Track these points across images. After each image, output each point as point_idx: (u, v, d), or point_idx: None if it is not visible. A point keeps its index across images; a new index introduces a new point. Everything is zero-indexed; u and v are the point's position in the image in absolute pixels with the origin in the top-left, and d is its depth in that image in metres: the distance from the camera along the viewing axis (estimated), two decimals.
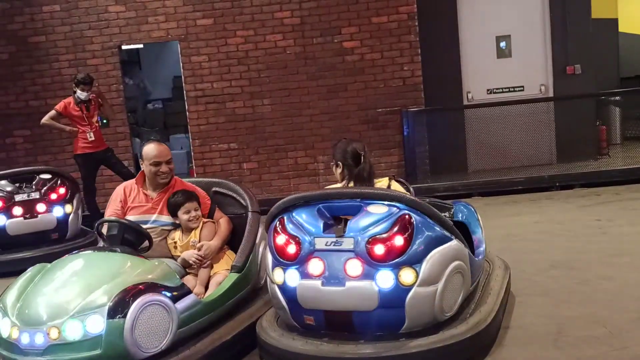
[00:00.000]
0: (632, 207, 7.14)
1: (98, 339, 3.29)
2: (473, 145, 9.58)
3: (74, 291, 3.45)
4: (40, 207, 6.69)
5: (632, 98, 10.89)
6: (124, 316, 3.31)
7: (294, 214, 3.63)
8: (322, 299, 3.43)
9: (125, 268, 3.65)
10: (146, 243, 4.09)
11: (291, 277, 3.52)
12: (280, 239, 3.59)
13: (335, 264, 3.40)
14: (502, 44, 9.71)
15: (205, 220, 4.37)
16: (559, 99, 9.44)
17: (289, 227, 3.59)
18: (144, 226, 4.22)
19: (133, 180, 4.51)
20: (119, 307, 3.33)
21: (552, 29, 9.54)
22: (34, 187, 6.77)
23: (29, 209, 6.65)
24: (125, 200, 4.38)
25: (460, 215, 4.31)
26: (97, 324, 3.30)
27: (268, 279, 3.75)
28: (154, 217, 4.34)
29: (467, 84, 9.70)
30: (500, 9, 9.60)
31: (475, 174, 9.33)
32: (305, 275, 3.48)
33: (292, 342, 3.50)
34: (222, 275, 4.19)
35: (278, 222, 3.67)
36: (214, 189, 4.65)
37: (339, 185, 3.93)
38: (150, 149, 4.36)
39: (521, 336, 3.93)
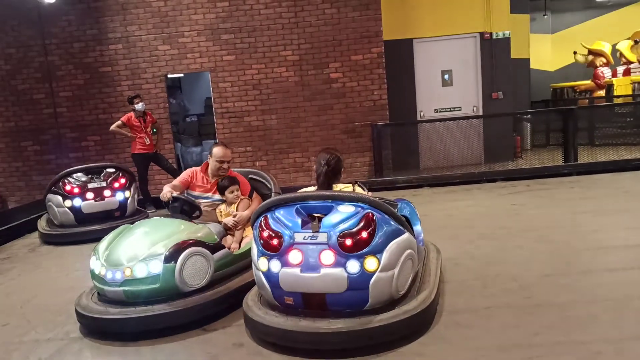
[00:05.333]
0: (539, 195, 7.16)
1: (157, 277, 3.52)
2: (424, 150, 9.61)
3: (144, 244, 3.66)
4: (107, 192, 6.67)
5: (538, 116, 11.00)
6: (175, 262, 3.54)
7: (275, 213, 3.29)
8: (301, 283, 3.12)
9: (180, 229, 3.83)
10: (197, 213, 4.22)
11: (274, 266, 3.20)
12: (265, 234, 3.24)
13: (311, 254, 3.09)
14: (446, 76, 9.72)
15: (242, 197, 4.54)
16: (486, 117, 9.47)
17: (272, 224, 3.25)
18: (204, 201, 4.50)
19: (199, 168, 4.68)
20: (172, 255, 3.55)
21: (482, 66, 9.58)
22: (102, 178, 6.73)
23: (98, 194, 6.62)
24: (192, 177, 4.60)
25: (404, 210, 3.88)
26: (156, 267, 3.53)
27: (253, 266, 3.40)
28: (210, 194, 4.58)
29: (420, 105, 9.71)
30: (445, 51, 9.61)
31: (425, 171, 9.34)
32: (286, 264, 3.15)
33: (275, 319, 3.18)
34: (251, 238, 4.16)
35: (262, 220, 3.32)
36: (250, 176, 4.85)
37: (313, 188, 3.59)
38: (219, 150, 4.59)
39: (457, 288, 3.95)
